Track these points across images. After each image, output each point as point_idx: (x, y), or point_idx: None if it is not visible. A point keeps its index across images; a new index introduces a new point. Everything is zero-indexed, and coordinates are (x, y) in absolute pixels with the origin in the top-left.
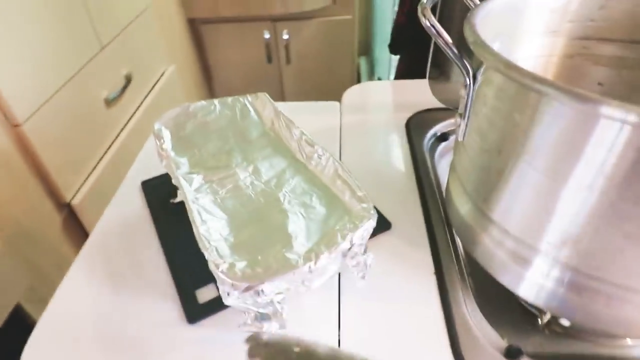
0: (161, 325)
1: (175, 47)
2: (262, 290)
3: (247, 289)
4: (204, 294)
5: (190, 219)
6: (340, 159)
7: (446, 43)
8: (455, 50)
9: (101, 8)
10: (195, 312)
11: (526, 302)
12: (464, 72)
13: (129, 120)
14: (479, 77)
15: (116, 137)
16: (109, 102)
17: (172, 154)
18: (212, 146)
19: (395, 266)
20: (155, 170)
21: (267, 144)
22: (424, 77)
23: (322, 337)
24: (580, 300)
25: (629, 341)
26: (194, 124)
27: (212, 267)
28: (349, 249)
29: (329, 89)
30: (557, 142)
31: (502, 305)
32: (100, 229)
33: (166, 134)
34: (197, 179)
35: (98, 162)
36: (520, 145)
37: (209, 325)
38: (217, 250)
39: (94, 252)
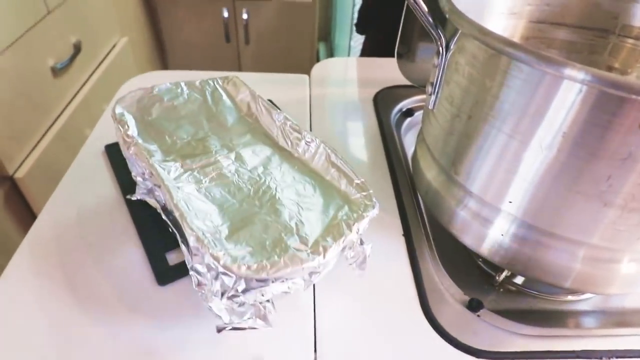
0: (130, 286)
1: (128, 18)
2: (264, 290)
3: (251, 287)
4: (175, 257)
5: (174, 209)
6: (310, 130)
7: (422, 12)
8: (431, 20)
9: None
10: (165, 274)
11: (484, 263)
12: (438, 41)
13: (78, 92)
14: (452, 46)
15: (64, 109)
16: (57, 72)
17: (140, 140)
18: (184, 133)
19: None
20: None
21: (246, 130)
22: (387, 56)
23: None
24: (534, 254)
25: (569, 297)
26: (161, 109)
27: (208, 260)
28: (355, 241)
29: (287, 72)
30: (524, 104)
31: (462, 267)
32: (61, 190)
33: (130, 119)
34: (175, 167)
35: (44, 134)
36: (489, 110)
37: (179, 288)
38: (213, 242)
39: (58, 211)
